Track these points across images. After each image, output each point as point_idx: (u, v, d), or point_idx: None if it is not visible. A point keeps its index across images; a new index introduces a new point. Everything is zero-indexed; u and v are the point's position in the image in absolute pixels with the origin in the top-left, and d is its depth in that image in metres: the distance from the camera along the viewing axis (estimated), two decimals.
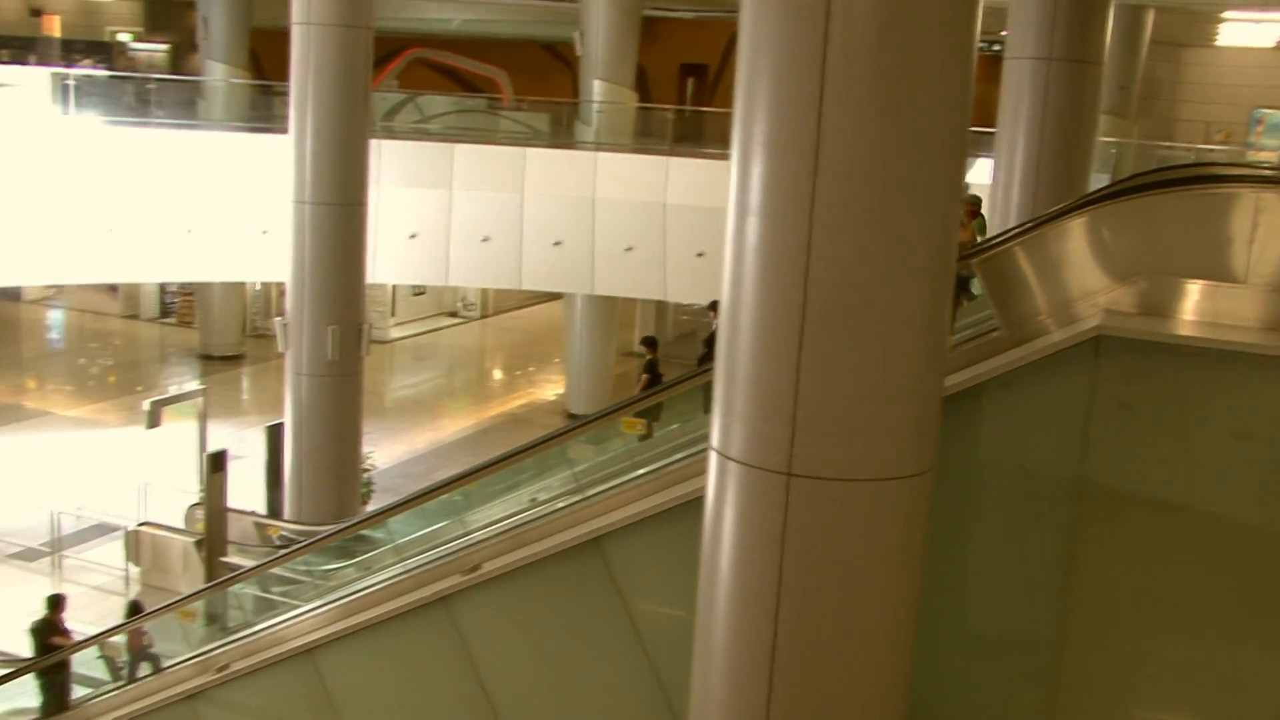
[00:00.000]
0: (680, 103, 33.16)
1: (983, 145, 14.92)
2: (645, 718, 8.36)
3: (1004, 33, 15.02)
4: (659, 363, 17.77)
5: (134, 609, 14.09)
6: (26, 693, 13.48)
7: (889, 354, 5.62)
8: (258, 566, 13.20)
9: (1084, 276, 6.96)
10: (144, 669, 12.20)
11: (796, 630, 5.90)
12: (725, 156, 5.86)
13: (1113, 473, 6.63)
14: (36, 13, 38.95)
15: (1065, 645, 6.89)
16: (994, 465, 7.05)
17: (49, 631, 13.72)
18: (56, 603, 14.16)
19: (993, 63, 15.27)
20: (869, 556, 5.88)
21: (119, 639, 13.20)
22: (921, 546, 6.06)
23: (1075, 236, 7.13)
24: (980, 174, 14.93)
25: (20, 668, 13.40)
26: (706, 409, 10.16)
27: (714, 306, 17.59)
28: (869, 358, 5.59)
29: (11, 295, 37.80)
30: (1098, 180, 16.06)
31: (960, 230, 9.71)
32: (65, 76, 23.40)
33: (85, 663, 13.44)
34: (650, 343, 18.11)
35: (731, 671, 6.17)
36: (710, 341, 17.21)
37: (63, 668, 12.94)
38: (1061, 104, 14.13)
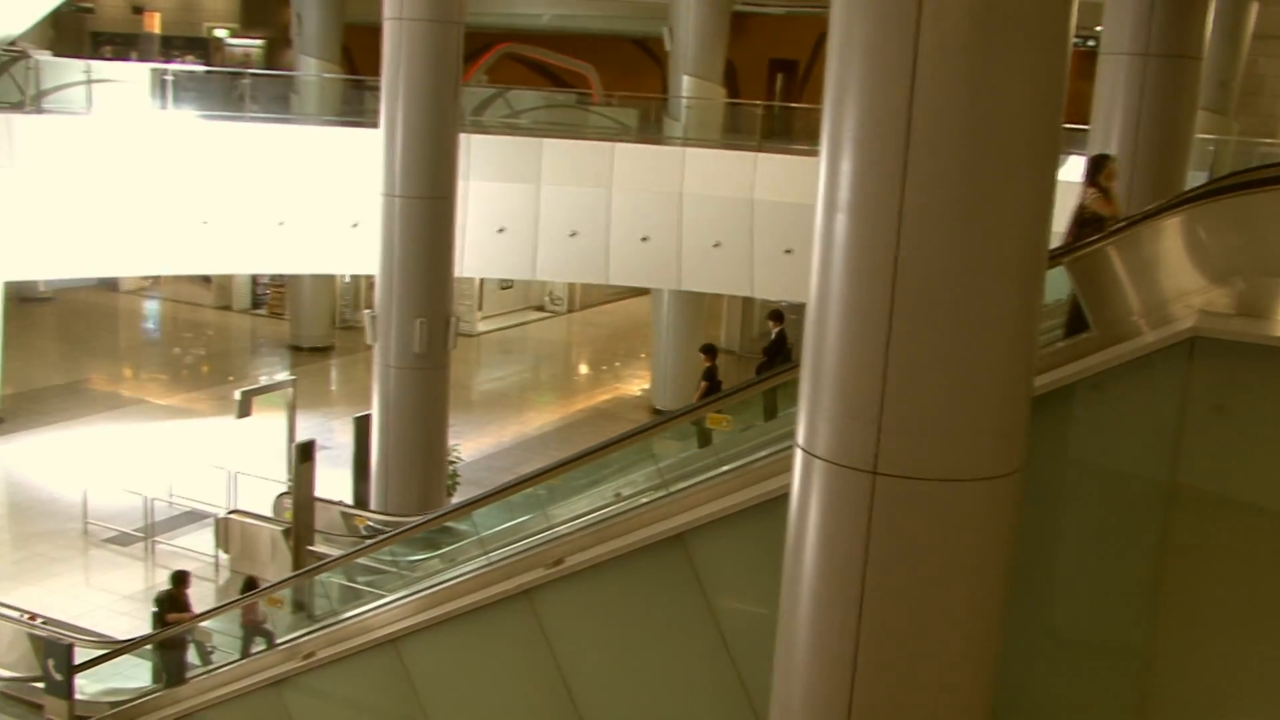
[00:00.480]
0: (769, 99, 33.00)
1: (1075, 142, 14.69)
2: (725, 715, 8.34)
3: (1099, 28, 14.77)
4: (718, 370, 17.72)
5: (249, 584, 14.25)
6: (123, 674, 13.75)
7: (977, 353, 5.55)
8: (344, 556, 13.36)
9: (1179, 277, 6.83)
10: (258, 644, 12.31)
11: (880, 631, 5.86)
12: (814, 153, 5.82)
13: (1206, 477, 6.50)
14: (138, 10, 39.79)
15: (1155, 652, 6.77)
16: (1083, 467, 6.94)
17: (171, 606, 14.04)
18: (181, 578, 14.45)
19: (1087, 58, 15.01)
20: (954, 557, 5.81)
21: (211, 624, 13.44)
22: (1008, 548, 5.98)
23: (1170, 236, 7.00)
24: (1072, 172, 14.69)
25: (134, 640, 13.65)
26: (766, 416, 10.19)
27: (775, 316, 17.56)
28: (956, 356, 5.53)
29: (110, 286, 38.65)
30: (1195, 178, 15.74)
31: (1104, 204, 9.57)
32: (164, 72, 23.82)
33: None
34: (709, 350, 18.02)
35: (813, 671, 6.14)
36: (770, 350, 17.20)
37: (181, 642, 13.13)
38: (1158, 100, 13.88)
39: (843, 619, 5.93)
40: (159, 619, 14.22)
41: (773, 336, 18.30)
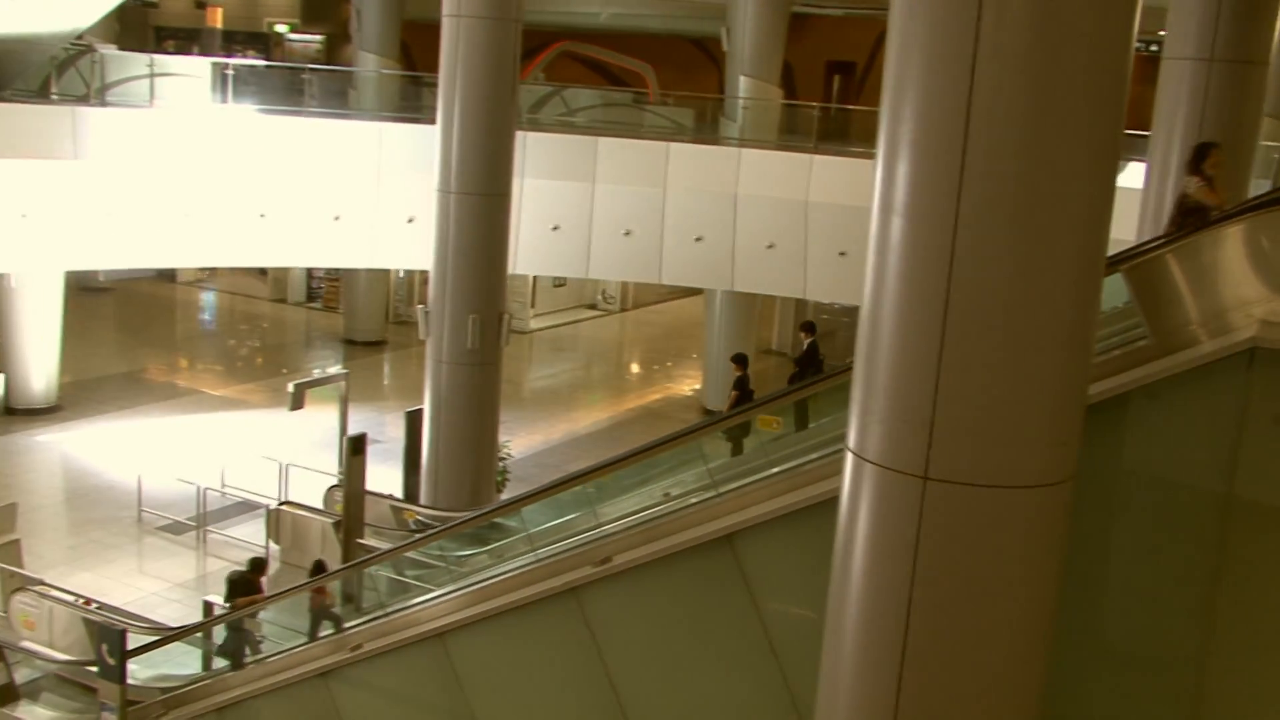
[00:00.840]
0: (826, 100, 32.90)
1: (1136, 148, 14.52)
2: (770, 713, 8.31)
3: (1162, 32, 14.59)
4: (749, 379, 17.62)
5: (319, 568, 14.25)
6: (174, 661, 13.89)
7: (1032, 359, 5.50)
8: (393, 549, 13.44)
9: (1239, 286, 6.74)
10: (326, 628, 12.25)
11: (927, 637, 5.82)
12: (870, 155, 5.79)
13: (1265, 489, 6.41)
14: (201, 5, 40.22)
15: (1208, 663, 6.68)
16: (1137, 477, 6.86)
17: (244, 589, 14.07)
18: (259, 565, 14.56)
19: (1149, 63, 14.85)
20: (1004, 564, 5.76)
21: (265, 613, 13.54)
22: (1059, 556, 5.92)
23: (1231, 244, 6.91)
24: (1133, 177, 14.53)
25: (186, 628, 13.78)
26: (796, 427, 10.16)
27: (807, 327, 17.49)
28: (1011, 362, 5.48)
29: (167, 277, 39.08)
30: (1258, 186, 15.53)
31: (1208, 193, 9.32)
32: (225, 66, 24.04)
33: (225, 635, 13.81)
34: (740, 360, 17.92)
35: (860, 676, 6.11)
36: (801, 361, 17.13)
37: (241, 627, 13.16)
38: (1221, 106, 13.68)
39: (890, 624, 5.89)
40: (230, 600, 14.22)
41: (804, 347, 18.28)
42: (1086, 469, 5.96)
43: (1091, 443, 6.01)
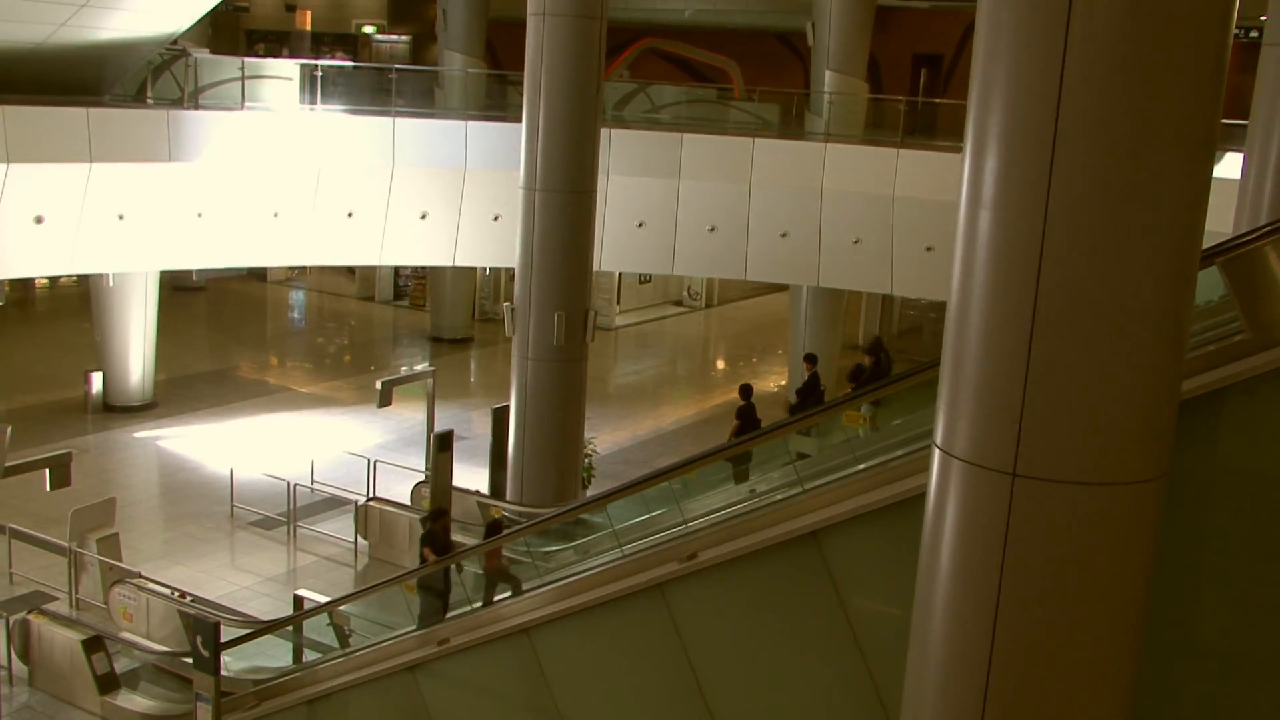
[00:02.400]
0: (912, 93, 32.59)
1: (1234, 138, 14.20)
2: (857, 714, 8.26)
3: (1263, 18, 14.24)
4: (754, 409, 17.49)
5: (495, 527, 13.88)
6: (266, 653, 14.09)
7: (1123, 354, 5.40)
8: (480, 545, 13.52)
9: None
10: (502, 590, 11.73)
11: (1015, 636, 5.74)
12: (957, 149, 5.72)
13: None
14: (290, 8, 40.80)
15: None
16: (1232, 473, 6.71)
17: (429, 542, 13.89)
18: (438, 514, 14.31)
19: (1249, 50, 14.51)
20: (1094, 563, 5.67)
21: (348, 609, 13.68)
22: (1150, 556, 5.81)
23: None
24: (1230, 168, 14.21)
25: (277, 620, 13.96)
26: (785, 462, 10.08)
27: (808, 359, 17.39)
28: (1101, 357, 5.38)
29: (258, 276, 39.70)
30: None
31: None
32: (314, 68, 24.34)
33: (316, 629, 13.98)
34: (746, 391, 17.75)
35: (947, 674, 6.04)
36: (803, 392, 17.01)
37: (442, 580, 12.66)
38: None
39: (978, 623, 5.82)
40: (420, 556, 14.00)
41: (806, 378, 18.16)
42: (1180, 466, 5.85)
43: (1185, 439, 5.89)
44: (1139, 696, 6.08)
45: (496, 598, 11.17)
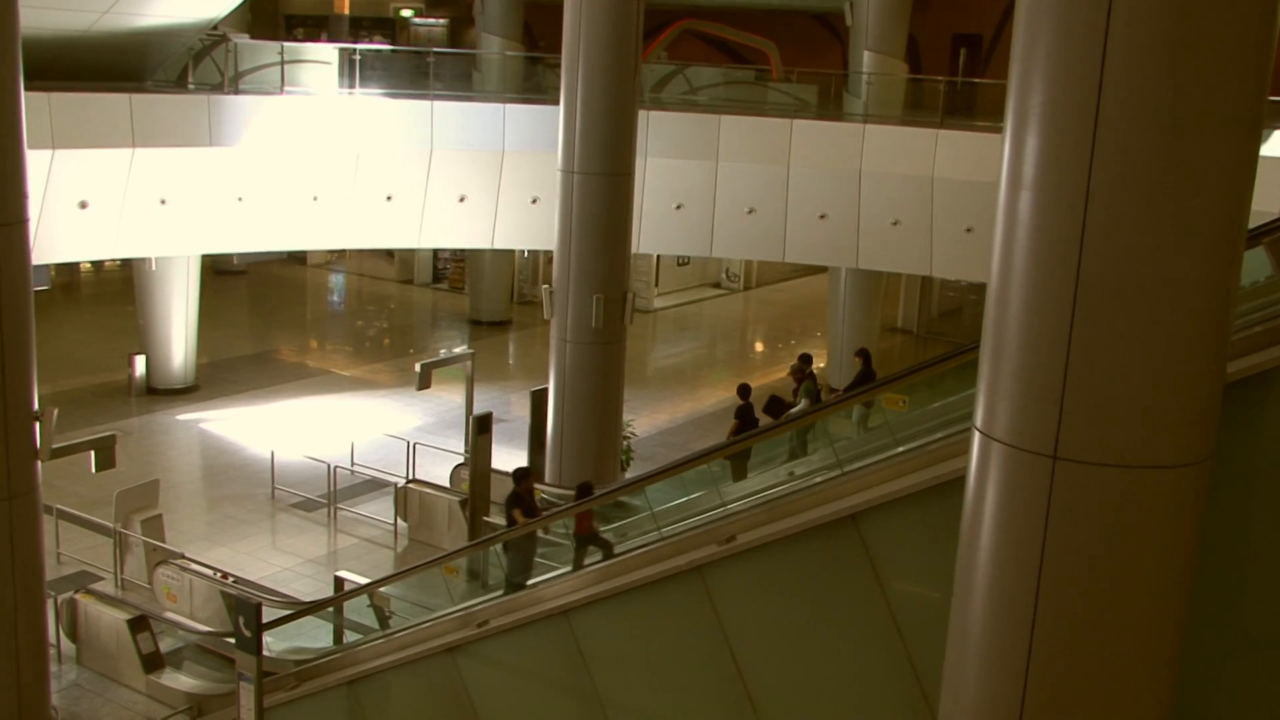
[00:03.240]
0: (952, 74, 32.35)
1: None
2: (895, 697, 8.25)
3: None
4: (753, 408, 17.46)
5: (585, 489, 13.48)
6: (307, 634, 14.20)
7: (1166, 335, 5.35)
8: (519, 527, 13.56)
9: None
10: (593, 555, 11.36)
11: (1056, 620, 5.71)
12: (997, 129, 5.68)
13: None
14: None
15: None
16: (1278, 457, 6.64)
17: (515, 503, 13.60)
18: (522, 474, 13.95)
19: None
20: (1137, 547, 5.63)
21: (385, 591, 13.75)
22: (1194, 540, 5.76)
23: None
24: (1277, 146, 14.05)
25: (318, 602, 14.06)
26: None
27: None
28: (1144, 338, 5.34)
29: (298, 260, 39.90)
30: None
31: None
32: (352, 52, 24.41)
33: (357, 610, 14.07)
34: (744, 391, 17.73)
35: (987, 657, 6.02)
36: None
37: (529, 542, 12.48)
38: None
39: (1018, 607, 5.79)
40: (509, 517, 13.67)
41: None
42: (1225, 449, 5.80)
43: (1230, 422, 5.84)
44: (1182, 684, 6.05)
45: (588, 561, 10.84)
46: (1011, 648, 5.86)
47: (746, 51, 34.75)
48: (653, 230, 23.19)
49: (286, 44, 24.57)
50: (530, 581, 11.20)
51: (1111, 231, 5.24)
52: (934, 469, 7.84)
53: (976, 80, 29.43)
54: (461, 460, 20.17)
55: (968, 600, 6.09)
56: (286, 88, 22.79)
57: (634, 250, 19.41)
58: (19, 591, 12.70)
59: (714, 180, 23.60)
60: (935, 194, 22.64)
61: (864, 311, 27.95)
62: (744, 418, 17.67)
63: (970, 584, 6.05)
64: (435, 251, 37.48)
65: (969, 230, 21.97)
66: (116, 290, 35.37)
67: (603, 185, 17.78)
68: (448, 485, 19.80)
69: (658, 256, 35.27)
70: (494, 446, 18.67)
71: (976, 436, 5.92)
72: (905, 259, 24.24)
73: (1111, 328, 5.34)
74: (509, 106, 23.78)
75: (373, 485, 20.72)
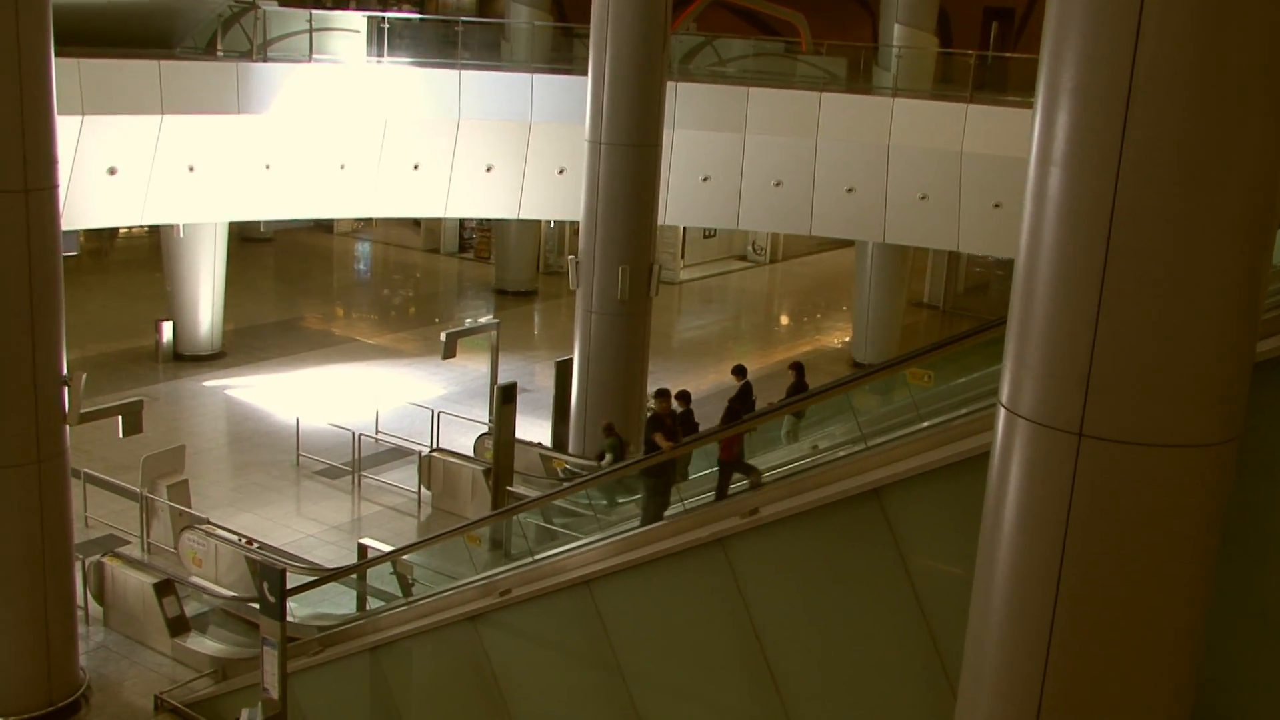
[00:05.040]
0: (983, 48, 32.10)
1: None
2: (916, 672, 8.26)
3: None
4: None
5: (733, 412, 12.45)
6: (331, 600, 14.29)
7: (1194, 314, 5.33)
8: (543, 497, 13.61)
9: None
10: (738, 481, 10.45)
11: (1078, 598, 5.71)
12: (1027, 105, 5.65)
13: None
14: None
15: None
16: None
17: (654, 426, 12.09)
18: (663, 395, 12.74)
19: None
20: (1161, 526, 5.62)
21: (412, 560, 13.81)
22: (1219, 520, 5.74)
23: None
24: None
25: (341, 569, 14.13)
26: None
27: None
28: (1172, 316, 5.31)
29: (325, 228, 39.97)
30: None
31: None
32: (380, 20, 24.37)
33: (380, 577, 14.15)
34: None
35: (1009, 633, 6.02)
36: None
37: (667, 471, 11.32)
38: None
39: (1040, 583, 5.79)
40: (649, 445, 12.17)
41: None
42: (1254, 429, 5.77)
43: (1259, 402, 5.81)
44: (1206, 665, 6.04)
45: (732, 489, 10.14)
46: (1034, 623, 5.86)
47: (776, 24, 34.55)
48: (679, 202, 23.13)
49: (315, 11, 24.54)
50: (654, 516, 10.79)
51: (1141, 209, 5.22)
52: (958, 444, 7.84)
53: (1008, 55, 29.22)
54: (485, 430, 20.21)
55: (990, 575, 6.09)
56: (315, 55, 22.79)
57: (660, 222, 19.37)
58: (48, 554, 12.84)
59: (741, 153, 23.52)
60: (964, 169, 22.51)
61: (890, 286, 27.85)
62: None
63: (993, 559, 6.05)
64: (461, 221, 37.48)
65: (997, 206, 21.85)
66: (144, 256, 35.52)
67: (630, 156, 17.74)
68: (471, 454, 19.85)
69: (684, 228, 35.19)
70: (518, 416, 18.70)
71: (1001, 412, 5.91)
72: (932, 234, 24.12)
73: (1139, 305, 5.32)
74: (537, 76, 23.72)
75: (397, 453, 20.79)
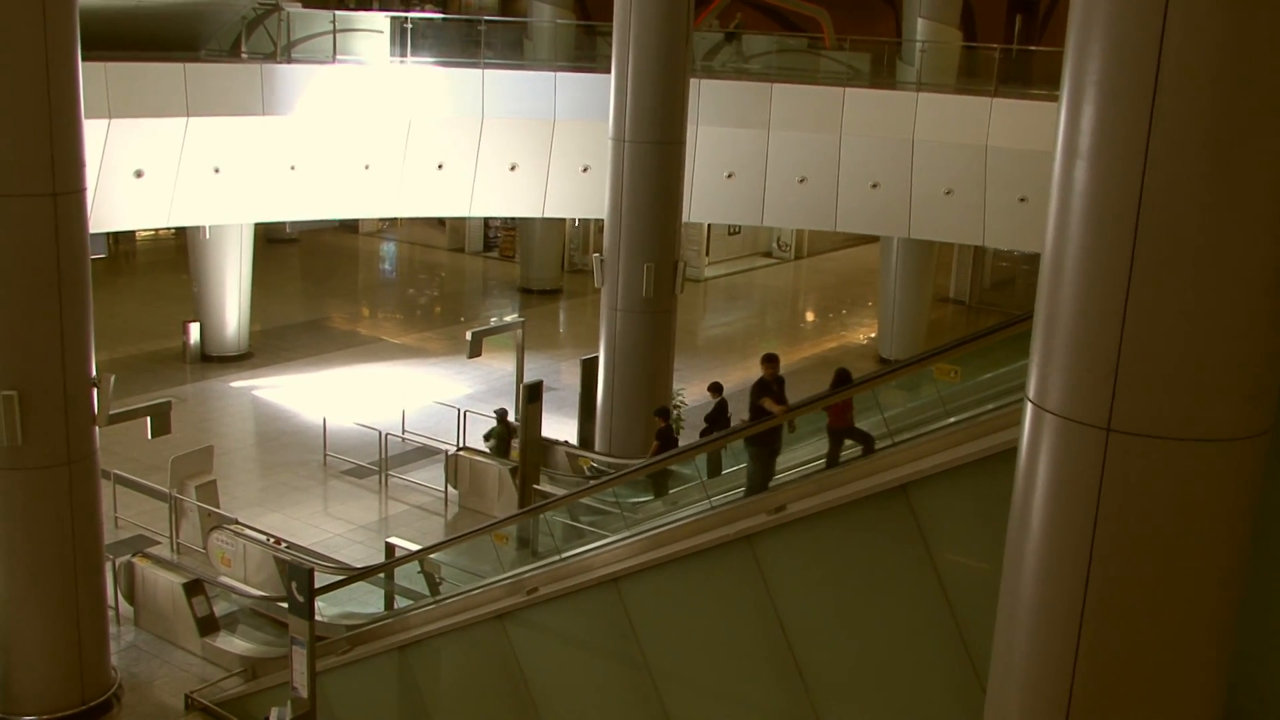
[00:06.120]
0: (1007, 41, 31.98)
1: None
2: (943, 666, 8.24)
3: None
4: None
5: (844, 376, 11.47)
6: (358, 600, 14.33)
7: (1224, 307, 5.29)
8: (569, 495, 13.61)
9: None
10: (852, 449, 9.99)
11: (1107, 595, 5.68)
12: (1053, 98, 5.62)
13: None
14: None
15: None
16: None
17: (762, 391, 11.64)
18: (771, 359, 12.10)
19: None
20: (1190, 522, 5.58)
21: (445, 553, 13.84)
22: (1249, 515, 5.70)
23: None
24: None
25: (370, 568, 14.18)
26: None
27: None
28: (1201, 309, 5.28)
29: (350, 228, 40.09)
30: None
31: None
32: (404, 20, 24.43)
33: (407, 576, 14.18)
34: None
35: (1037, 630, 6.00)
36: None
37: (773, 438, 10.91)
38: None
39: (1069, 579, 5.76)
40: (752, 411, 11.70)
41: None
42: None
43: None
44: (1237, 664, 6.00)
45: (843, 456, 9.75)
46: (1062, 621, 5.83)
47: (799, 19, 34.49)
48: (704, 199, 23.12)
49: (338, 12, 24.62)
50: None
51: (1169, 201, 5.18)
52: (985, 440, 7.81)
53: (1032, 48, 29.09)
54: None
55: (1019, 572, 6.07)
56: (338, 56, 22.87)
57: (685, 219, 19.37)
58: (79, 555, 12.93)
59: (765, 149, 23.48)
60: (989, 163, 22.43)
61: (915, 282, 27.78)
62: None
63: (1021, 556, 6.03)
64: (486, 220, 37.55)
65: (1023, 200, 21.77)
66: (171, 258, 35.69)
67: (654, 153, 17.75)
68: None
69: (708, 225, 35.17)
70: (544, 415, 18.72)
71: (1029, 407, 5.88)
72: (958, 229, 24.04)
73: (1167, 298, 5.29)
74: (560, 75, 23.73)
75: (423, 452, 20.84)
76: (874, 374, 10.36)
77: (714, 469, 12.89)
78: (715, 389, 17.09)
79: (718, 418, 16.76)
